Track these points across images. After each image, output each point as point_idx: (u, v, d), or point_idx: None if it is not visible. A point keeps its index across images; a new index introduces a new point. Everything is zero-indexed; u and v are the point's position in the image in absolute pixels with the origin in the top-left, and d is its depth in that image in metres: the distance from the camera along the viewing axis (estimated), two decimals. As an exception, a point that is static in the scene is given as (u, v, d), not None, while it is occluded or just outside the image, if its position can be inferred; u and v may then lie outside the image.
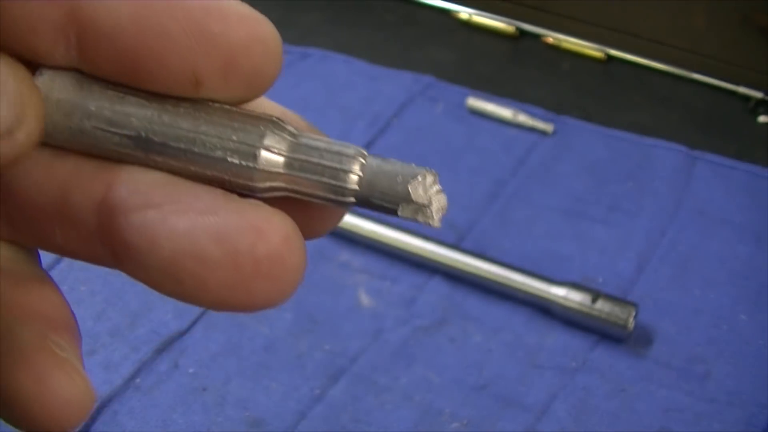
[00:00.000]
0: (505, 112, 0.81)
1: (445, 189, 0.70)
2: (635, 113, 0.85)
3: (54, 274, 0.67)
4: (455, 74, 0.90)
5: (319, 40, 0.97)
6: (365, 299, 0.65)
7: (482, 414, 0.57)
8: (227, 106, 0.17)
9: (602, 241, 0.69)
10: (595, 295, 0.60)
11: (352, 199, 0.16)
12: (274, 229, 0.16)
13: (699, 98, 0.87)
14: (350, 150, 0.16)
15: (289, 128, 0.17)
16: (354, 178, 0.16)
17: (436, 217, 0.16)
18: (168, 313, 0.64)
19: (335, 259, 0.68)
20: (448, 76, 0.89)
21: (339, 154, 0.16)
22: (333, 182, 0.16)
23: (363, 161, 0.16)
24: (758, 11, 0.82)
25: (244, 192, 0.16)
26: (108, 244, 0.17)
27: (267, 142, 0.16)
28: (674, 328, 0.62)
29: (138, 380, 0.59)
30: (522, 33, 0.96)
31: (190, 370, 0.60)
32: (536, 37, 0.95)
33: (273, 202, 0.17)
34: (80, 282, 0.67)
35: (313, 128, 0.18)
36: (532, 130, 0.80)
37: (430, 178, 0.16)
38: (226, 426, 0.57)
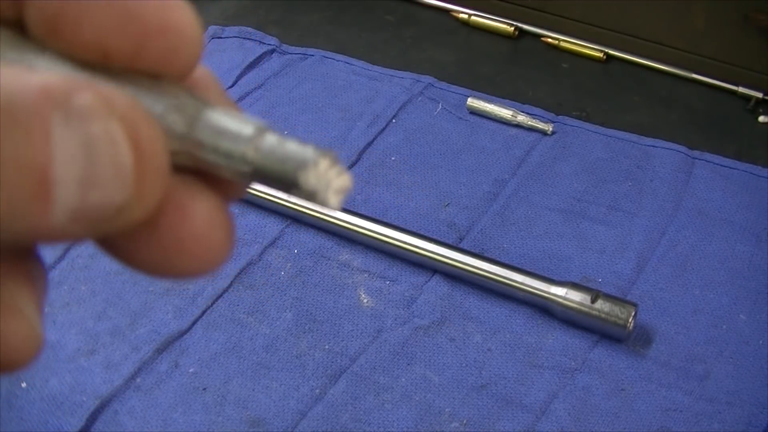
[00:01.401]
0: (505, 112, 0.81)
1: (445, 189, 0.69)
2: (635, 113, 0.85)
3: (54, 273, 0.67)
4: (455, 74, 0.90)
5: (319, 40, 0.97)
6: (365, 299, 0.65)
7: (482, 414, 0.57)
8: (143, 79, 0.17)
9: (602, 241, 0.69)
10: (595, 295, 0.60)
11: (247, 178, 0.16)
12: (198, 209, 0.17)
13: (699, 98, 0.87)
14: (248, 129, 0.16)
15: (193, 102, 0.17)
16: (247, 160, 0.16)
17: (332, 200, 0.16)
18: (168, 312, 0.64)
19: (335, 259, 0.68)
20: (448, 76, 0.89)
21: (235, 135, 0.16)
22: (226, 163, 0.16)
23: (257, 143, 0.16)
24: (758, 11, 0.82)
25: None
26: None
27: (168, 119, 0.16)
28: (674, 328, 0.62)
29: (138, 380, 0.60)
30: (522, 33, 0.96)
31: (191, 370, 0.60)
32: (536, 37, 0.96)
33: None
34: (81, 282, 0.67)
35: (225, 97, 0.19)
36: (531, 130, 0.80)
37: (324, 163, 0.16)
38: (226, 426, 0.57)
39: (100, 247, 0.17)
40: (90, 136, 0.14)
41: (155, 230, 0.16)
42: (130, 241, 0.17)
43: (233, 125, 0.16)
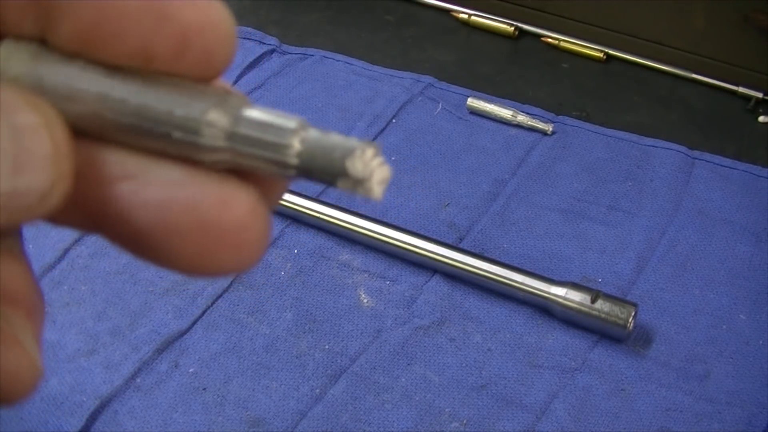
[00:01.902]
0: (505, 112, 0.81)
1: (445, 189, 0.70)
2: (635, 113, 0.85)
3: (55, 273, 0.67)
4: (455, 74, 0.90)
5: (319, 40, 0.97)
6: (365, 299, 0.65)
7: (482, 414, 0.57)
8: (178, 80, 0.17)
9: (602, 241, 0.69)
10: (595, 295, 0.60)
11: (293, 172, 0.16)
12: (239, 201, 0.17)
13: (699, 98, 0.87)
14: (291, 123, 0.16)
15: (233, 102, 0.17)
16: (293, 152, 0.16)
17: (376, 189, 0.16)
18: (168, 312, 0.64)
19: (335, 259, 0.68)
20: (448, 76, 0.89)
21: (280, 128, 0.16)
22: (273, 156, 0.16)
23: (303, 135, 0.16)
24: (758, 11, 0.82)
25: (194, 162, 0.17)
26: (87, 212, 0.18)
27: (210, 117, 0.16)
28: (674, 328, 0.62)
29: (138, 380, 0.60)
30: (522, 33, 0.96)
31: (191, 370, 0.60)
32: (536, 37, 0.96)
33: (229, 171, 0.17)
34: (81, 282, 0.67)
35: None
36: (531, 130, 0.80)
37: (369, 152, 0.16)
38: (226, 426, 0.57)
39: (129, 248, 0.18)
40: (17, 125, 0.15)
41: (198, 219, 0.17)
42: (173, 237, 0.17)
43: (277, 119, 0.16)
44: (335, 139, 0.16)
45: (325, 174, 0.16)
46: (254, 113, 0.17)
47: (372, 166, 0.16)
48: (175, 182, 0.17)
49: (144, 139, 0.17)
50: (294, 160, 0.16)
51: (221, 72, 0.18)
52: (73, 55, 0.17)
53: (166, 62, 0.16)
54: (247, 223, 0.17)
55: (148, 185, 0.17)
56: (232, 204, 0.17)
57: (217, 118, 0.16)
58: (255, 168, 0.17)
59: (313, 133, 0.16)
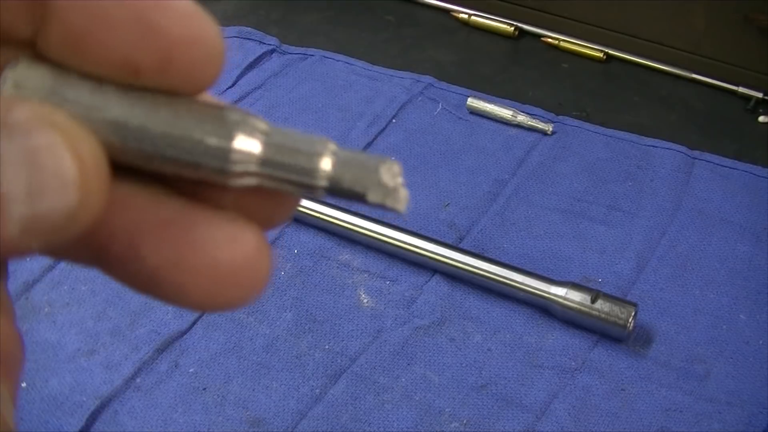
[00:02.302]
0: (505, 112, 0.81)
1: (445, 189, 0.70)
2: (635, 113, 0.85)
3: (54, 273, 0.67)
4: (455, 74, 0.90)
5: (319, 40, 0.97)
6: (365, 299, 0.65)
7: (482, 414, 0.57)
8: (199, 101, 0.17)
9: (602, 241, 0.69)
10: (595, 295, 0.60)
11: (322, 192, 0.17)
12: (247, 239, 0.17)
13: (699, 98, 0.87)
14: (319, 146, 0.17)
15: (259, 124, 0.17)
16: (325, 171, 0.17)
17: (402, 205, 0.17)
18: (168, 313, 0.64)
19: (335, 259, 0.68)
20: (448, 76, 0.89)
21: (309, 152, 0.17)
22: (304, 177, 0.17)
23: (333, 152, 0.17)
24: (758, 11, 0.82)
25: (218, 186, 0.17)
26: (92, 249, 0.17)
27: (238, 143, 0.16)
28: (674, 328, 0.62)
29: (138, 380, 0.60)
30: (522, 33, 0.96)
31: (191, 370, 0.60)
32: (536, 37, 0.96)
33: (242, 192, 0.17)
34: (81, 282, 0.67)
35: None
36: (531, 130, 0.80)
37: (396, 168, 0.17)
38: (226, 426, 0.57)
39: (138, 287, 0.18)
40: (33, 148, 0.14)
41: (207, 261, 0.17)
42: (178, 274, 0.17)
43: (305, 143, 0.17)
44: (363, 155, 0.17)
45: (356, 186, 0.17)
46: (281, 137, 0.17)
47: (398, 181, 0.17)
48: (184, 222, 0.17)
49: (166, 166, 0.17)
50: (324, 183, 0.17)
51: (208, 86, 0.17)
52: (64, 65, 0.16)
53: (151, 75, 0.16)
54: (254, 260, 0.17)
55: (156, 225, 0.17)
56: (241, 242, 0.17)
57: (246, 144, 0.16)
58: (281, 189, 0.17)
59: (341, 154, 0.17)
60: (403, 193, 0.17)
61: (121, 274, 0.17)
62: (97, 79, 0.17)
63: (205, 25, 0.16)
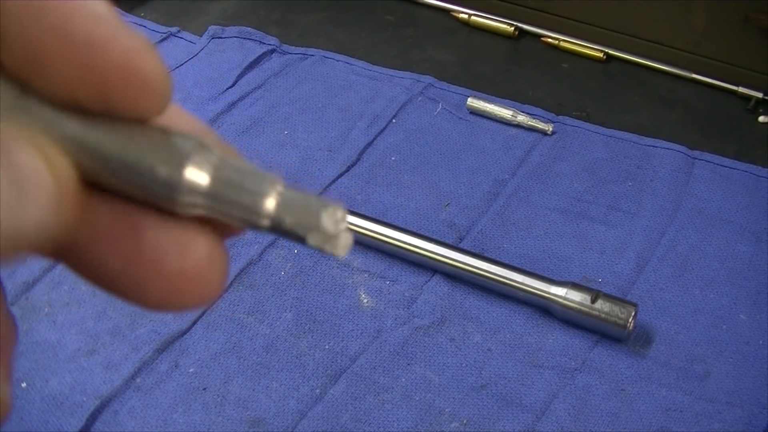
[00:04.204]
0: (505, 112, 0.81)
1: (445, 189, 0.70)
2: (635, 113, 0.85)
3: (55, 273, 0.67)
4: (455, 74, 0.90)
5: (319, 40, 0.97)
6: (365, 299, 0.65)
7: (482, 414, 0.57)
8: (158, 126, 0.17)
9: (602, 241, 0.69)
10: (595, 295, 0.60)
11: (266, 224, 0.17)
12: (198, 248, 0.18)
13: (699, 98, 0.87)
14: (267, 182, 0.17)
15: (210, 155, 0.17)
16: (268, 209, 0.17)
17: (342, 251, 0.17)
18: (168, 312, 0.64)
19: (335, 259, 0.68)
20: (448, 76, 0.89)
21: (255, 188, 0.17)
22: (248, 215, 0.17)
23: (278, 192, 0.17)
24: (758, 11, 0.82)
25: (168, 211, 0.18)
26: (56, 249, 0.18)
27: (187, 174, 0.17)
28: (674, 328, 0.62)
29: (138, 380, 0.60)
30: (522, 33, 0.96)
31: (191, 370, 0.60)
32: (536, 37, 0.96)
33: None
34: (81, 282, 0.67)
35: (227, 147, 0.20)
36: (531, 130, 0.80)
37: (339, 213, 0.17)
38: (226, 426, 0.57)
39: (101, 287, 0.18)
40: (16, 163, 0.15)
41: (159, 268, 0.17)
42: (134, 281, 0.17)
43: (253, 177, 0.17)
44: (309, 197, 0.17)
45: (297, 231, 0.17)
46: (230, 171, 0.17)
47: (341, 227, 0.17)
48: (137, 229, 0.17)
49: (115, 186, 0.17)
50: (267, 220, 0.17)
51: (153, 117, 0.18)
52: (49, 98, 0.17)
53: (93, 107, 0.17)
54: (204, 268, 0.18)
55: (112, 233, 0.17)
56: (191, 250, 0.17)
57: (194, 176, 0.17)
58: (227, 220, 0.17)
59: (287, 194, 0.17)
60: (345, 239, 0.17)
61: (83, 273, 0.18)
62: (60, 104, 0.17)
63: (144, 62, 0.17)
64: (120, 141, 0.17)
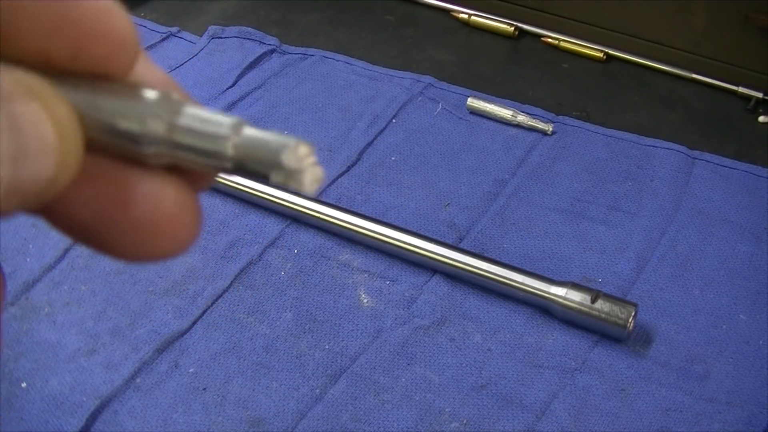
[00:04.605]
0: (505, 112, 0.81)
1: (445, 189, 0.70)
2: (635, 113, 0.85)
3: (54, 273, 0.67)
4: (455, 74, 0.90)
5: (319, 40, 0.97)
6: (365, 299, 0.65)
7: (482, 414, 0.57)
8: (120, 83, 0.18)
9: (602, 241, 0.69)
10: (595, 295, 0.60)
11: (230, 164, 0.17)
12: (166, 194, 0.18)
13: (699, 98, 0.87)
14: (227, 121, 0.17)
15: (171, 102, 0.18)
16: (229, 151, 0.17)
17: (309, 186, 0.17)
18: (168, 313, 0.64)
19: (335, 259, 0.68)
20: (448, 76, 0.89)
21: (214, 131, 0.17)
22: (210, 159, 0.17)
23: (236, 137, 0.17)
24: (758, 11, 0.82)
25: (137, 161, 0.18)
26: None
27: (149, 123, 0.17)
28: (674, 328, 0.62)
29: (138, 380, 0.60)
30: (522, 33, 0.96)
31: (191, 370, 0.60)
32: (536, 37, 0.96)
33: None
34: (81, 282, 0.67)
35: (191, 99, 0.20)
36: (531, 130, 0.80)
37: (303, 149, 0.17)
38: (226, 426, 0.57)
39: (75, 238, 0.19)
40: (15, 114, 0.15)
41: (130, 216, 0.18)
42: (107, 229, 0.18)
43: (214, 116, 0.17)
44: (271, 135, 0.17)
45: (259, 166, 0.17)
46: (189, 117, 0.17)
47: (305, 163, 0.17)
48: (106, 179, 0.18)
49: (86, 140, 0.18)
50: (230, 151, 0.17)
51: (122, 74, 0.18)
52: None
53: (61, 64, 0.17)
54: (174, 214, 0.18)
55: (81, 182, 0.17)
56: (159, 198, 0.18)
57: (154, 126, 0.17)
58: (193, 165, 0.18)
59: (247, 132, 0.17)
60: (311, 175, 0.17)
61: (58, 224, 0.18)
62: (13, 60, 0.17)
63: (115, 19, 0.17)
64: (86, 96, 0.17)
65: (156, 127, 0.17)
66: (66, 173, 0.16)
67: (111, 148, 0.17)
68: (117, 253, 0.18)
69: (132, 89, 0.18)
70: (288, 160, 0.17)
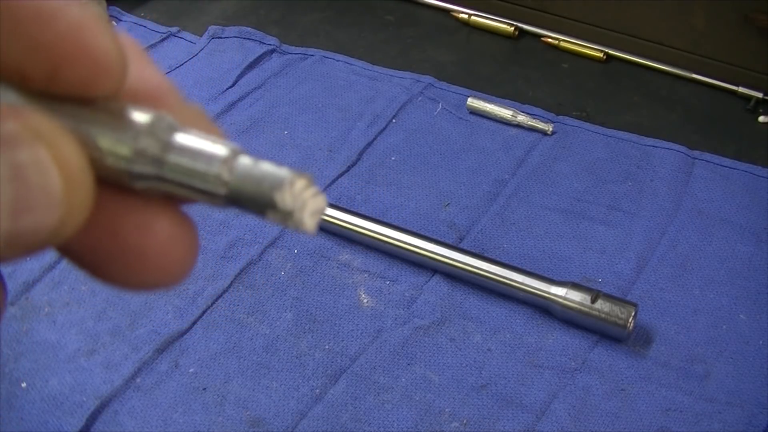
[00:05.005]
0: (505, 112, 0.81)
1: (445, 189, 0.70)
2: (635, 113, 0.85)
3: (55, 273, 0.67)
4: (455, 74, 0.90)
5: (319, 40, 0.97)
6: (365, 299, 0.65)
7: (482, 414, 0.57)
8: (109, 105, 0.17)
9: (602, 241, 0.69)
10: (595, 295, 0.60)
11: (222, 201, 0.16)
12: (159, 226, 0.17)
13: (699, 98, 0.87)
14: (221, 151, 0.16)
15: (163, 129, 0.16)
16: (222, 183, 0.16)
17: (308, 222, 0.16)
18: (168, 313, 0.64)
19: (335, 259, 0.68)
20: (448, 76, 0.89)
21: (209, 156, 0.16)
22: (202, 187, 0.16)
23: (231, 165, 0.16)
24: (758, 11, 0.82)
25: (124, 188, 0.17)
26: None
27: (136, 164, 0.16)
28: (674, 328, 0.62)
29: (138, 380, 0.60)
30: (522, 33, 0.96)
31: (191, 370, 0.60)
32: (536, 37, 0.96)
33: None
34: (81, 282, 0.67)
35: (189, 108, 0.19)
36: (531, 130, 0.80)
37: (300, 183, 0.16)
38: (226, 426, 0.57)
39: (66, 258, 0.18)
40: (18, 163, 0.14)
41: (120, 246, 0.17)
42: (96, 257, 0.17)
43: (207, 147, 0.16)
44: (265, 168, 0.16)
45: (253, 205, 0.16)
46: (185, 140, 0.16)
47: (303, 198, 0.16)
48: (100, 207, 0.17)
49: None
50: (222, 190, 0.16)
51: (105, 95, 0.17)
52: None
53: (41, 85, 0.16)
54: (166, 247, 0.17)
55: None
56: (151, 229, 0.17)
57: (140, 168, 0.16)
58: (185, 196, 0.17)
59: (243, 162, 0.16)
60: (311, 207, 0.16)
61: (59, 250, 0.18)
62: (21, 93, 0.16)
63: (95, 39, 0.16)
64: (72, 121, 0.16)
65: (143, 168, 0.16)
66: (71, 225, 0.15)
67: (98, 175, 0.16)
68: (107, 280, 0.18)
69: (115, 117, 0.16)
70: (283, 200, 0.16)
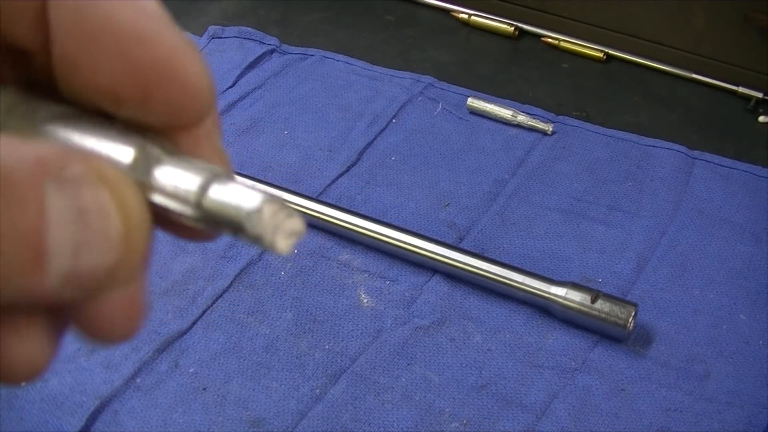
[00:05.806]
0: (505, 112, 0.81)
1: (445, 189, 0.70)
2: (635, 113, 0.85)
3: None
4: (455, 74, 0.90)
5: (319, 40, 0.97)
6: (365, 299, 0.65)
7: (482, 414, 0.57)
8: (111, 123, 0.17)
9: (602, 241, 0.69)
10: (595, 295, 0.60)
11: (201, 223, 0.17)
12: (108, 305, 0.17)
13: (699, 98, 0.87)
14: (199, 177, 0.17)
15: (154, 150, 0.17)
16: (195, 208, 0.17)
17: (281, 245, 0.17)
18: (168, 313, 0.64)
19: (335, 259, 0.68)
20: (448, 76, 0.89)
21: (188, 182, 0.17)
22: (181, 208, 0.17)
23: (207, 192, 0.17)
24: (758, 11, 0.82)
25: None
26: None
27: (132, 165, 0.17)
28: (674, 328, 0.62)
29: (138, 380, 0.60)
30: (522, 33, 0.96)
31: (191, 370, 0.60)
32: (536, 37, 0.96)
33: None
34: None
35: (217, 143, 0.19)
36: (531, 130, 0.80)
37: (269, 209, 0.16)
38: (226, 426, 0.57)
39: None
40: (82, 204, 0.15)
41: (77, 313, 0.17)
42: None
43: (187, 174, 0.17)
44: (238, 196, 0.16)
45: (226, 229, 0.17)
46: (168, 166, 0.17)
47: (276, 222, 0.16)
48: None
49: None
50: (197, 213, 0.17)
51: (197, 121, 0.17)
52: (56, 84, 0.17)
53: (131, 107, 0.17)
54: (117, 321, 0.17)
55: None
56: (102, 307, 0.17)
57: (135, 166, 0.17)
58: (168, 215, 0.17)
59: (216, 189, 0.17)
60: (288, 229, 0.16)
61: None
62: (67, 107, 0.17)
63: (188, 66, 0.16)
64: (66, 136, 0.17)
65: (136, 165, 0.17)
66: (128, 266, 0.16)
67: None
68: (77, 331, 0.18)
69: (126, 131, 0.17)
70: (252, 226, 0.16)
